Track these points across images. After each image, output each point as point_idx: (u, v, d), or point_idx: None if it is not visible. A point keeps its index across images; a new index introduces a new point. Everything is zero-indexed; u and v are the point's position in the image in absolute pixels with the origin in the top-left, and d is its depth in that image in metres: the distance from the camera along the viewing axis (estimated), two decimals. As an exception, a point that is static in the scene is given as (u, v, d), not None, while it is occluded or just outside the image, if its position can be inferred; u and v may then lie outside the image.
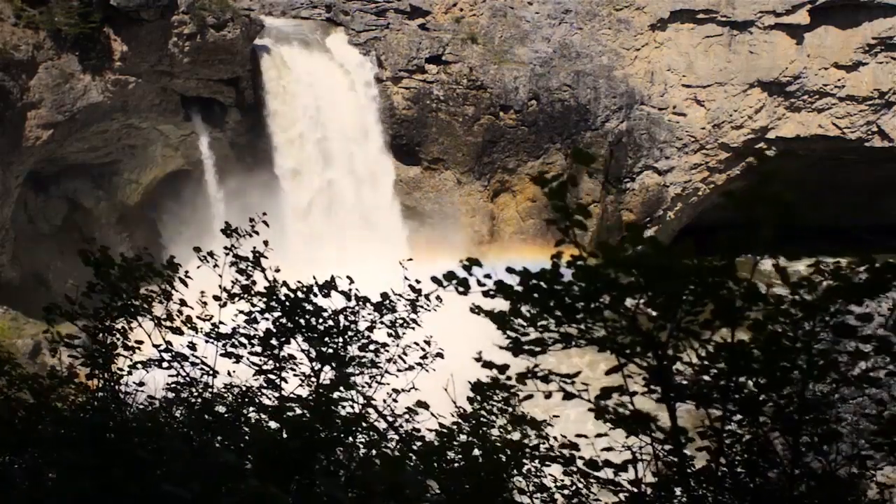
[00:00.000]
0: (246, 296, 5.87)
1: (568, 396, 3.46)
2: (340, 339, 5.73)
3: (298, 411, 4.57)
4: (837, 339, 3.31)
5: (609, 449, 3.90)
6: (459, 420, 5.20)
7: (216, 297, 5.89)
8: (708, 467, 3.84)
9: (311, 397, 5.10)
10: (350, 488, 4.11)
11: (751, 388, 3.45)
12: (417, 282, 5.96)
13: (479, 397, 5.15)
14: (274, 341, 5.64)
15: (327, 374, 5.57)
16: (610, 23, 38.54)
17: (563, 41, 38.16)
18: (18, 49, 27.69)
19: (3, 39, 27.38)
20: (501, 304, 3.40)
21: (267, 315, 5.69)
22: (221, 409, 5.60)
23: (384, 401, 5.77)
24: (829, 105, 38.29)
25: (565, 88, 37.64)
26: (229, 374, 6.00)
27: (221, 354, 5.78)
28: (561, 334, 3.31)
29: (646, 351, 3.23)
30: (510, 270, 3.19)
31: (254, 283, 5.97)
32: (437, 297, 5.96)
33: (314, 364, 5.54)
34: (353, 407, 5.29)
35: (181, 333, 5.62)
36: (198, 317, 5.73)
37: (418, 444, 5.08)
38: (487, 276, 3.31)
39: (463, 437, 5.06)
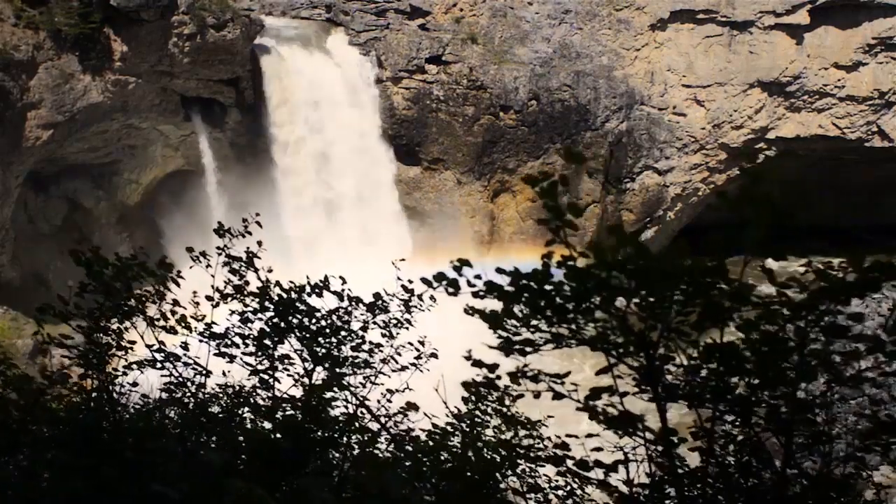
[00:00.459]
0: (239, 296, 5.87)
1: (557, 396, 3.45)
2: (333, 339, 5.72)
3: (290, 412, 4.57)
4: (832, 339, 3.30)
5: (598, 449, 3.89)
6: (453, 420, 5.19)
7: (209, 298, 5.88)
8: (700, 468, 3.83)
9: (303, 398, 5.10)
10: (342, 489, 4.11)
11: (743, 389, 3.45)
12: (410, 282, 5.96)
13: (473, 398, 5.15)
14: (267, 341, 5.63)
15: (320, 374, 5.57)
16: (610, 23, 38.53)
17: (563, 41, 38.15)
18: (18, 49, 27.70)
19: (3, 39, 27.39)
20: (497, 305, 3.40)
21: (260, 315, 5.68)
22: (214, 409, 5.60)
23: (378, 401, 5.76)
24: (829, 105, 38.26)
25: (565, 88, 37.63)
26: (224, 374, 6.00)
27: (215, 354, 5.77)
28: (552, 334, 3.31)
29: (637, 351, 3.23)
30: (500, 271, 3.19)
31: (247, 283, 5.96)
32: (431, 298, 5.96)
33: (306, 364, 5.53)
34: (346, 407, 5.28)
35: (175, 333, 5.62)
36: (191, 317, 5.72)
37: (410, 445, 5.08)
38: (478, 276, 3.31)
39: (456, 438, 5.06)
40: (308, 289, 5.70)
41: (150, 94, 31.49)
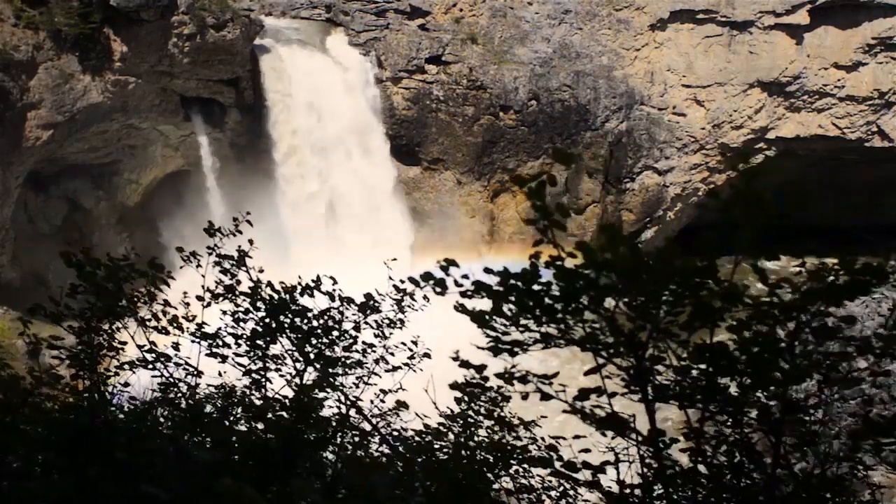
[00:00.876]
0: (230, 296, 5.85)
1: (545, 397, 3.44)
2: (325, 339, 5.70)
3: (281, 412, 4.56)
4: (822, 340, 3.29)
5: (587, 450, 3.88)
6: (444, 420, 5.18)
7: (199, 298, 5.86)
8: (690, 468, 3.82)
9: (294, 398, 5.08)
10: (334, 490, 4.09)
11: (733, 389, 3.44)
12: (402, 281, 5.93)
13: (465, 398, 5.14)
14: (259, 341, 5.62)
15: (311, 374, 5.55)
16: (610, 23, 38.52)
17: (562, 41, 38.13)
18: (18, 49, 27.69)
19: (3, 40, 27.39)
20: (489, 305, 3.38)
21: (252, 315, 5.66)
22: (206, 409, 5.58)
23: (371, 401, 5.75)
24: (829, 105, 38.22)
25: (565, 89, 37.61)
26: (220, 374, 5.99)
27: (206, 354, 5.76)
28: (541, 334, 3.30)
29: (627, 352, 3.22)
30: (488, 271, 3.18)
31: (238, 282, 5.93)
32: (424, 297, 5.94)
33: (297, 364, 5.52)
34: (337, 408, 5.27)
35: (167, 334, 5.61)
36: (183, 317, 5.71)
37: (400, 445, 5.06)
38: (465, 276, 3.30)
39: (447, 439, 5.04)
40: (299, 289, 5.68)
41: (150, 94, 31.49)
